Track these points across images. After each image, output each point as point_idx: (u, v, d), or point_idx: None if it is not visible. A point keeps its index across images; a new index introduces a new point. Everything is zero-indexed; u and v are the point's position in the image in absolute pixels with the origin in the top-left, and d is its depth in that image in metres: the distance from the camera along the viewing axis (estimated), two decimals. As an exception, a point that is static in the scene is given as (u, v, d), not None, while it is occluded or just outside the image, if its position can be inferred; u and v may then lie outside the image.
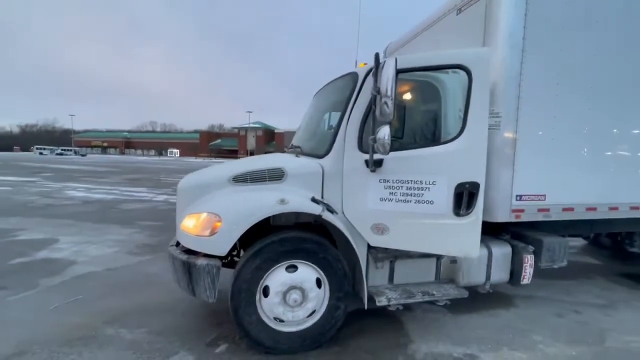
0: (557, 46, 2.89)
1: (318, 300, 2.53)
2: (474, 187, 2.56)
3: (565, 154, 3.04)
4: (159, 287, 3.70)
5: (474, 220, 2.59)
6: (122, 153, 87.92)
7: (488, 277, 3.14)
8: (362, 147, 2.66)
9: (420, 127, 2.87)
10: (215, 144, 79.28)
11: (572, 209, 3.14)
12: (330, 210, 2.55)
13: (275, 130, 71.84)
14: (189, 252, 2.57)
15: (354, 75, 2.77)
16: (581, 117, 3.07)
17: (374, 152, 2.35)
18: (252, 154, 66.57)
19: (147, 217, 7.55)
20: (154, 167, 29.17)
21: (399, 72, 2.26)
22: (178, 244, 2.74)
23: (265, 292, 2.45)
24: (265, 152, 60.45)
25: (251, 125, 70.22)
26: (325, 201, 2.58)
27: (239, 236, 2.34)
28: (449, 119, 2.76)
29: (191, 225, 2.49)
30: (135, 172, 22.82)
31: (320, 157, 2.71)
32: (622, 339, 2.94)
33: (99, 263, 4.38)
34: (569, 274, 4.32)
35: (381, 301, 2.67)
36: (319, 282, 2.54)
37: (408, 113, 2.82)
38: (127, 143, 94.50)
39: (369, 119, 2.66)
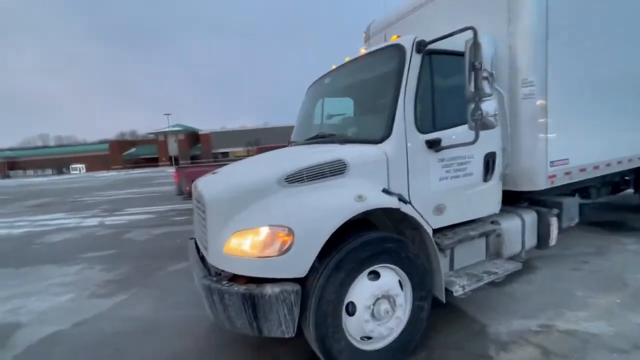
0: (575, 13, 3.02)
1: (404, 305, 2.21)
2: (493, 156, 2.80)
3: (582, 119, 3.23)
4: (165, 332, 2.91)
5: (496, 183, 2.87)
6: (6, 176, 71.97)
7: (523, 245, 3.20)
8: (418, 126, 2.40)
9: (461, 104, 2.73)
10: (130, 153, 70.29)
11: (585, 169, 3.38)
12: (404, 201, 2.24)
13: (200, 132, 66.77)
14: (233, 280, 2.01)
15: (400, 48, 2.44)
16: (601, 84, 3.30)
17: (484, 127, 2.10)
18: (176, 160, 60.98)
19: (88, 248, 6.11)
20: (60, 188, 24.40)
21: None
22: (217, 274, 2.12)
23: (349, 309, 2.03)
24: (216, 153, 55.00)
25: (171, 129, 63.94)
26: (396, 192, 2.25)
27: (320, 249, 1.87)
28: None
29: (246, 246, 1.92)
30: (38, 196, 18.72)
31: (378, 142, 2.35)
32: (635, 277, 3.29)
33: (57, 319, 3.28)
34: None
35: (457, 291, 2.46)
36: (400, 285, 2.21)
37: (455, 91, 2.65)
38: (10, 164, 77.48)
39: (421, 95, 2.43)
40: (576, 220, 3.60)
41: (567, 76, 3.03)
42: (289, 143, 3.77)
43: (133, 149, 72.25)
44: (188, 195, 9.16)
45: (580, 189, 4.58)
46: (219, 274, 2.15)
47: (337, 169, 2.18)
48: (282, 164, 2.33)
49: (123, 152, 69.68)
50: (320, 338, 1.92)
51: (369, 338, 2.11)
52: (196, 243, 2.94)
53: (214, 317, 2.08)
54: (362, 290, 2.03)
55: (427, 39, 2.41)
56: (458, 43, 2.44)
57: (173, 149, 64.05)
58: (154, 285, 4.04)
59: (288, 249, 1.83)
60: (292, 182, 2.11)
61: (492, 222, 2.99)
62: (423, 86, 2.44)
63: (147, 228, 7.59)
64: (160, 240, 6.38)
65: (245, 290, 1.88)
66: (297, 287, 1.87)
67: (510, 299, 3.03)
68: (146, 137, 76.37)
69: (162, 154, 64.67)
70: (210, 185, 2.35)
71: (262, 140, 54.34)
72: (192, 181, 9.70)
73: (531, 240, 3.28)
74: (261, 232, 1.90)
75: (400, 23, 4.07)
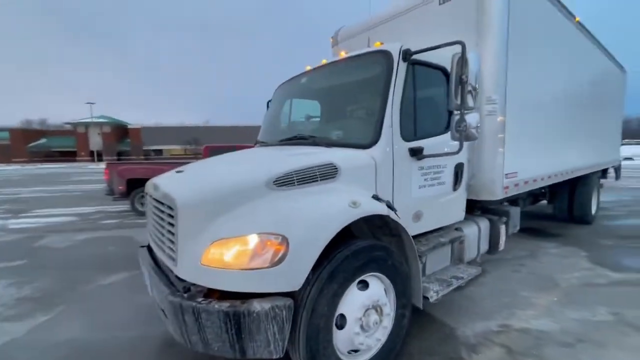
0: (528, 44, 3.38)
1: (390, 314, 2.17)
2: (462, 167, 2.94)
3: (526, 137, 3.62)
4: (104, 358, 2.44)
5: (463, 192, 3.07)
6: None
7: (479, 250, 3.45)
8: (402, 134, 2.43)
9: (439, 115, 2.84)
10: (40, 144, 60.04)
11: (528, 182, 3.80)
12: (391, 208, 2.21)
13: (129, 126, 60.30)
14: (209, 296, 1.77)
15: (387, 55, 2.44)
16: (538, 107, 3.73)
17: (467, 139, 2.16)
18: (99, 155, 54.20)
19: (-14, 258, 4.95)
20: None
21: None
22: (186, 289, 1.83)
23: (337, 322, 1.91)
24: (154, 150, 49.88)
25: (94, 120, 56.57)
26: (384, 199, 2.21)
27: (316, 258, 1.72)
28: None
29: (231, 256, 1.69)
30: None
31: (366, 147, 2.30)
32: (563, 277, 3.78)
33: (-53, 352, 2.54)
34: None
35: (432, 297, 2.51)
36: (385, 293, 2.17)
37: (433, 102, 2.74)
38: None
39: (405, 104, 2.45)
40: (518, 227, 4.03)
41: (519, 98, 3.37)
42: (255, 143, 3.54)
43: (43, 140, 61.99)
44: (120, 196, 8.11)
45: (511, 200, 5.19)
46: (188, 289, 1.86)
47: (328, 172, 2.07)
48: (267, 165, 2.13)
49: (29, 143, 59.39)
50: (311, 356, 1.77)
51: (356, 351, 2.03)
52: (150, 252, 2.55)
53: (183, 339, 1.79)
54: (353, 301, 1.94)
55: (413, 49, 2.45)
56: (436, 56, 2.57)
57: (96, 142, 56.77)
58: (84, 302, 3.41)
59: (281, 260, 1.65)
60: (281, 185, 1.93)
61: (456, 229, 3.16)
62: (407, 95, 2.47)
63: (67, 233, 6.47)
64: (85, 247, 5.48)
65: (229, 307, 1.64)
66: (289, 301, 1.69)
67: (470, 302, 3.23)
68: (61, 127, 66.33)
69: (82, 147, 56.88)
70: (181, 185, 2.04)
71: (202, 139, 51.21)
72: (127, 179, 8.58)
73: (484, 246, 3.55)
74: (249, 240, 1.69)
75: (369, 32, 4.14)
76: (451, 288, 2.71)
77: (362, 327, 1.97)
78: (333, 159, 2.12)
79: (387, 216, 2.12)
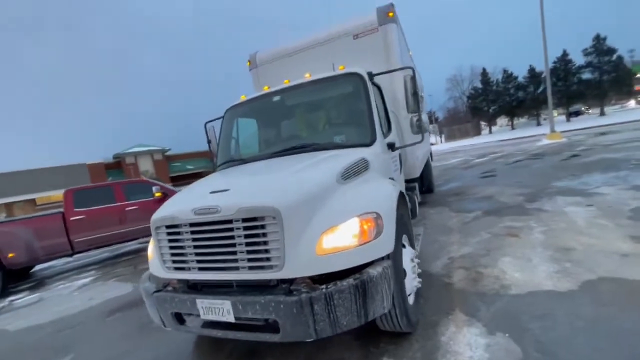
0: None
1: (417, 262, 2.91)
2: (401, 156, 4.07)
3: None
4: None
5: (402, 174, 4.15)
6: None
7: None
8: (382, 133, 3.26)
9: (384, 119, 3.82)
10: None
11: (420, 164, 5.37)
12: (398, 187, 2.97)
13: None
14: (316, 281, 2.06)
15: (360, 76, 3.21)
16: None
17: (425, 131, 3.11)
18: None
19: None
20: None
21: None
22: (288, 289, 2.02)
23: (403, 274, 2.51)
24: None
25: None
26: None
27: (395, 224, 2.28)
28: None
29: (344, 240, 2.06)
30: None
31: (369, 145, 2.98)
32: (450, 223, 5.56)
33: None
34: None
35: (418, 249, 3.44)
36: (407, 248, 2.91)
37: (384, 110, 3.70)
38: None
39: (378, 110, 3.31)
40: (420, 198, 5.58)
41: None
42: (221, 164, 3.54)
43: None
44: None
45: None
46: (289, 289, 2.04)
47: (365, 165, 2.64)
48: (322, 167, 2.48)
49: None
50: (403, 302, 2.30)
51: (409, 295, 2.66)
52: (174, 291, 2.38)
53: (307, 334, 1.96)
54: (406, 256, 2.58)
55: (373, 72, 3.32)
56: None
57: None
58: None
59: (380, 231, 2.13)
60: (346, 179, 2.37)
61: (400, 201, 4.25)
62: (375, 104, 3.32)
63: None
64: None
65: (356, 280, 1.98)
66: (389, 261, 2.18)
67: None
68: None
69: None
70: (263, 195, 2.11)
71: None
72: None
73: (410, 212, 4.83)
74: (355, 222, 2.07)
75: (291, 58, 4.81)
76: (420, 240, 3.74)
77: (413, 273, 2.64)
78: (363, 155, 2.71)
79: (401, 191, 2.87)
